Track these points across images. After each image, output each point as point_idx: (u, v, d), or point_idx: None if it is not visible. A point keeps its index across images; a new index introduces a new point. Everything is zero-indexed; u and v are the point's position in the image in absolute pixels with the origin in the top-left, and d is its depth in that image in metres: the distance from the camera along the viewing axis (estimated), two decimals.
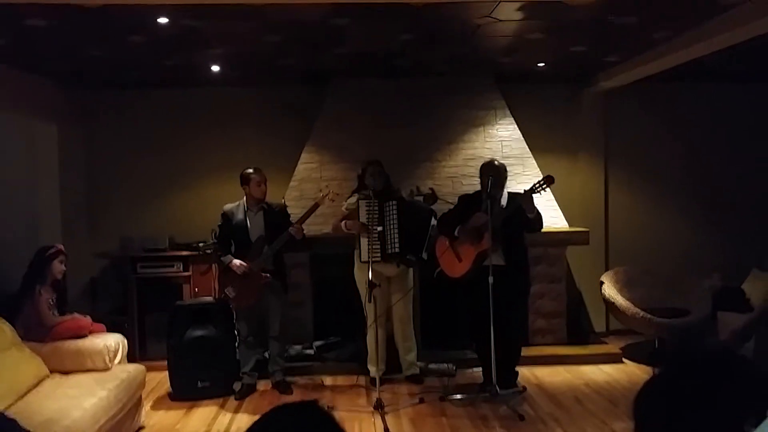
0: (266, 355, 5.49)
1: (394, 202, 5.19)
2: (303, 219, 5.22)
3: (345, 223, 5.28)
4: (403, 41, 5.07)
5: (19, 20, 4.18)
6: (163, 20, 4.27)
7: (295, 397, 5.21)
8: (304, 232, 5.29)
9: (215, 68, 5.88)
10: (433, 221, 5.22)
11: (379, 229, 5.12)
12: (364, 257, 5.06)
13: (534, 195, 4.72)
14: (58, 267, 4.56)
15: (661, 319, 5.76)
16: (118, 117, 6.79)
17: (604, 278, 6.28)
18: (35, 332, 4.35)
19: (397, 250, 5.11)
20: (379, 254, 5.08)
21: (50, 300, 4.50)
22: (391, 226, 5.13)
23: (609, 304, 6.11)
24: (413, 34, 4.88)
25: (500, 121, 6.53)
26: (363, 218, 5.17)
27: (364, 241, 5.14)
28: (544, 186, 4.70)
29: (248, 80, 6.52)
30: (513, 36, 4.96)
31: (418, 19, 4.48)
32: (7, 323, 4.11)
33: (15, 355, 3.97)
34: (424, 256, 5.15)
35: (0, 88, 5.40)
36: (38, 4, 3.76)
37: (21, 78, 5.68)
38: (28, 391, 3.89)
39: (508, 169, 5.17)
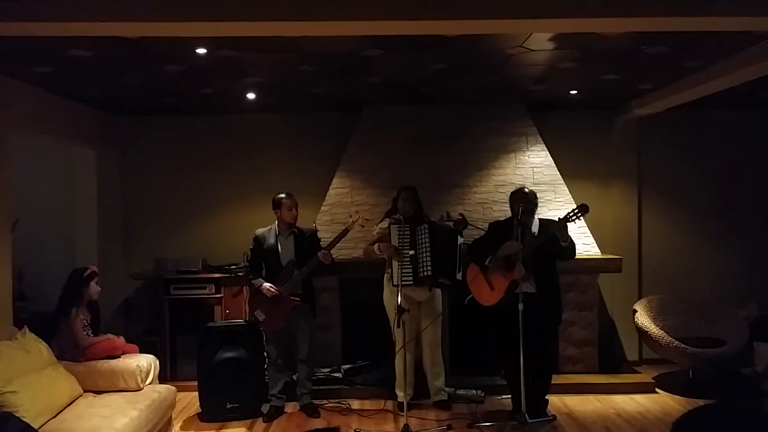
0: (294, 377, 5.52)
1: (426, 226, 5.21)
2: (333, 244, 5.26)
3: (378, 246, 5.31)
4: (435, 71, 5.13)
5: (63, 50, 4.34)
6: (201, 51, 4.40)
7: (323, 420, 5.21)
8: (333, 257, 5.33)
9: (250, 96, 6.01)
10: (460, 239, 5.22)
11: (411, 252, 5.14)
12: (396, 281, 5.07)
13: (567, 223, 4.70)
14: (94, 288, 4.66)
15: (695, 349, 5.65)
16: (155, 142, 6.97)
17: (637, 306, 6.20)
18: (70, 352, 4.46)
19: (429, 273, 5.11)
20: (411, 278, 5.10)
21: (85, 321, 4.60)
22: (424, 250, 5.14)
23: (642, 333, 6.02)
24: (445, 64, 4.94)
25: (531, 148, 6.53)
26: (395, 242, 5.19)
27: (395, 265, 5.16)
28: (579, 215, 4.66)
29: (282, 107, 6.64)
30: (544, 65, 4.99)
31: (450, 50, 4.54)
32: (44, 343, 4.22)
33: (51, 374, 4.06)
34: (459, 277, 5.14)
35: (42, 113, 5.58)
36: (82, 36, 3.91)
37: (62, 104, 5.86)
38: (63, 409, 3.97)
39: (539, 195, 5.16)
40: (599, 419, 5.18)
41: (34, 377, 3.86)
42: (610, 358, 6.42)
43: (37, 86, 5.37)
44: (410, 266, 5.12)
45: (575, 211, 4.66)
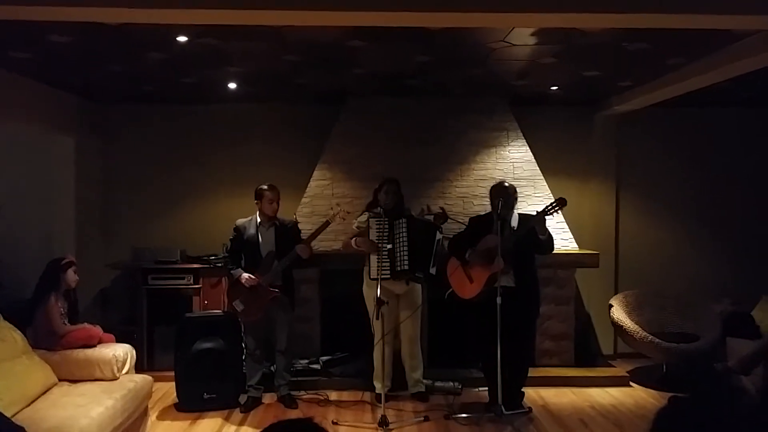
0: (272, 368, 5.52)
1: (404, 220, 5.22)
2: (313, 237, 5.26)
3: (355, 240, 5.31)
4: (418, 63, 5.14)
5: (43, 36, 4.28)
6: (182, 39, 4.36)
7: (300, 411, 5.22)
8: (313, 250, 5.33)
9: (232, 86, 5.97)
10: (438, 236, 5.24)
11: (389, 246, 5.15)
12: (374, 274, 5.09)
13: (546, 217, 4.74)
14: (72, 276, 4.62)
15: (669, 344, 5.74)
16: (135, 131, 6.90)
17: (613, 301, 6.27)
18: (46, 340, 4.41)
19: (406, 267, 5.13)
20: (388, 272, 5.11)
21: (62, 309, 4.56)
22: (401, 244, 5.16)
23: (617, 328, 6.09)
24: (428, 56, 4.94)
25: (512, 143, 6.57)
26: (373, 236, 5.20)
27: (373, 259, 5.17)
28: (557, 208, 4.72)
29: (264, 97, 6.60)
30: (526, 60, 5.01)
31: (434, 42, 4.55)
32: (18, 331, 4.17)
33: (25, 363, 4.02)
34: (432, 271, 5.17)
35: (20, 100, 5.50)
36: (61, 22, 3.86)
37: (41, 91, 5.78)
38: (37, 398, 3.93)
39: (518, 190, 5.21)
40: (574, 412, 5.24)
41: (7, 366, 3.82)
42: (586, 351, 6.49)
43: (15, 72, 5.28)
44: (388, 260, 5.13)
45: (553, 205, 4.72)
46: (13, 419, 3.44)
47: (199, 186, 6.91)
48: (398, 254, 5.15)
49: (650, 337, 5.76)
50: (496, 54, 4.81)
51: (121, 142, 6.90)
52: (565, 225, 6.37)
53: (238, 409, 5.23)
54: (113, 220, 6.89)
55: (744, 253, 6.95)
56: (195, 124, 6.90)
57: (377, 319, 4.79)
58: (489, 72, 5.42)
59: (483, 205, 6.17)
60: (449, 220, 5.58)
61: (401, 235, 5.17)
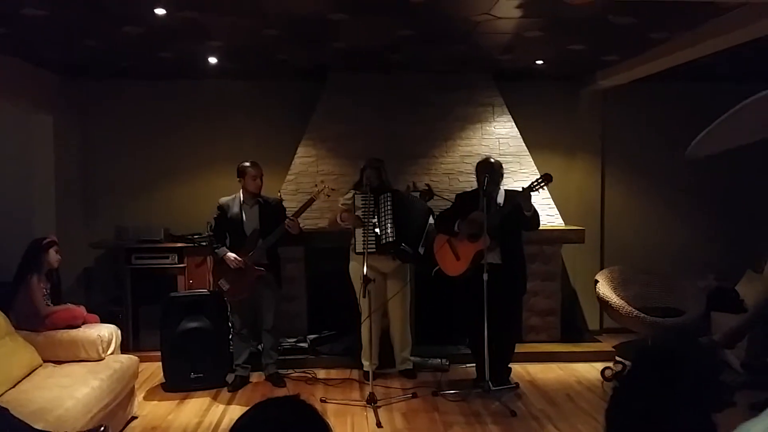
0: (260, 348, 5.50)
1: (389, 194, 5.22)
2: (298, 214, 5.21)
3: (340, 215, 5.29)
4: (401, 37, 5.07)
5: (16, 9, 4.16)
6: (160, 11, 4.26)
7: (288, 389, 5.22)
8: (301, 226, 5.29)
9: (212, 60, 5.86)
10: (431, 220, 5.24)
11: (374, 221, 5.13)
12: (359, 248, 5.07)
13: (532, 193, 4.73)
14: (54, 256, 4.55)
15: (654, 318, 5.77)
16: (115, 108, 6.78)
17: (598, 277, 6.29)
18: (29, 321, 4.35)
19: (391, 239, 5.12)
20: (374, 245, 5.09)
21: (44, 290, 4.50)
22: (385, 217, 5.15)
23: (603, 303, 6.12)
24: (411, 30, 4.88)
25: (498, 119, 6.54)
26: (358, 211, 5.18)
27: (359, 233, 5.15)
28: (542, 184, 4.72)
29: (246, 73, 6.50)
30: (511, 33, 4.96)
31: (417, 16, 4.48)
32: (1, 312, 4.11)
33: (8, 344, 3.96)
34: (421, 250, 5.16)
35: None
36: None
37: (17, 67, 5.65)
38: (21, 379, 3.89)
39: (504, 166, 5.19)
40: (561, 387, 5.28)
41: None
42: (572, 327, 6.53)
43: None
44: (373, 234, 5.12)
45: (539, 181, 4.71)
46: None
47: (181, 163, 6.81)
48: (383, 227, 5.13)
49: (636, 312, 5.79)
50: (480, 27, 4.75)
51: (101, 119, 6.77)
52: (551, 201, 6.37)
53: (225, 389, 5.21)
54: (94, 198, 6.79)
55: (729, 229, 6.98)
56: (176, 101, 6.78)
57: (364, 297, 4.78)
58: (473, 46, 5.37)
59: (469, 182, 6.15)
60: (435, 197, 5.56)
61: (386, 208, 5.17)
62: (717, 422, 1.29)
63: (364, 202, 5.16)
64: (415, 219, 5.22)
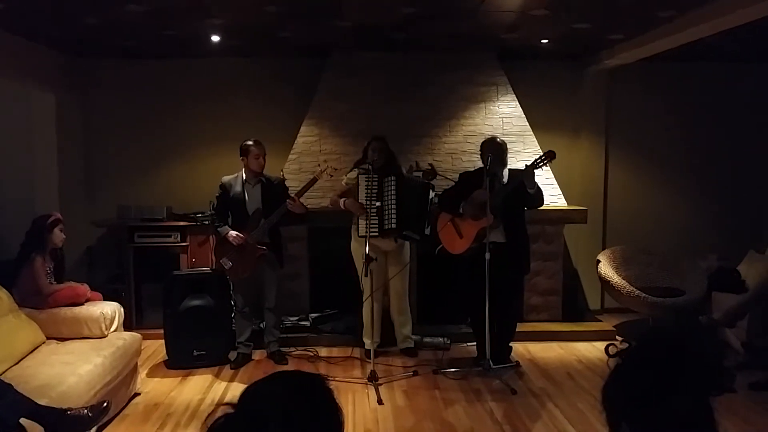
0: (262, 326, 5.52)
1: (393, 178, 5.18)
2: (301, 193, 5.21)
3: (343, 201, 5.29)
4: (405, 15, 5.02)
5: None
6: None
7: (290, 367, 5.24)
8: (305, 206, 5.29)
9: (215, 38, 5.82)
10: (431, 194, 5.22)
11: (378, 204, 5.12)
12: (362, 232, 5.07)
13: (535, 170, 4.72)
14: (58, 235, 4.55)
15: (655, 298, 5.78)
16: (117, 86, 6.75)
17: (600, 257, 6.29)
18: (33, 299, 4.37)
19: (393, 226, 5.12)
20: (377, 229, 5.09)
21: (48, 268, 4.51)
22: (389, 202, 5.13)
23: (604, 283, 6.13)
24: (415, 8, 4.83)
25: (502, 98, 6.50)
26: (362, 193, 5.17)
27: (362, 217, 5.15)
28: (546, 161, 4.71)
29: (248, 51, 6.46)
30: (516, 12, 4.91)
31: None
32: (4, 290, 4.14)
33: (12, 321, 3.99)
34: (427, 231, 5.16)
35: None
36: None
37: (20, 45, 5.62)
38: (25, 356, 3.93)
39: (508, 146, 5.17)
40: (561, 365, 5.30)
41: None
42: (574, 306, 6.54)
43: None
44: (376, 218, 5.12)
45: (542, 158, 4.70)
46: (0, 377, 3.43)
47: (184, 142, 6.80)
48: (386, 212, 5.13)
49: (637, 291, 5.80)
50: (485, 5, 4.70)
51: (104, 97, 6.75)
52: (554, 181, 6.35)
53: (228, 366, 5.25)
54: (97, 177, 6.79)
55: (731, 209, 6.97)
56: (179, 79, 6.76)
57: (366, 275, 4.79)
58: (478, 24, 5.31)
59: (472, 162, 6.13)
60: (438, 177, 5.54)
61: (389, 193, 5.14)
62: (714, 406, 1.29)
63: (367, 182, 5.15)
64: (418, 201, 5.20)
